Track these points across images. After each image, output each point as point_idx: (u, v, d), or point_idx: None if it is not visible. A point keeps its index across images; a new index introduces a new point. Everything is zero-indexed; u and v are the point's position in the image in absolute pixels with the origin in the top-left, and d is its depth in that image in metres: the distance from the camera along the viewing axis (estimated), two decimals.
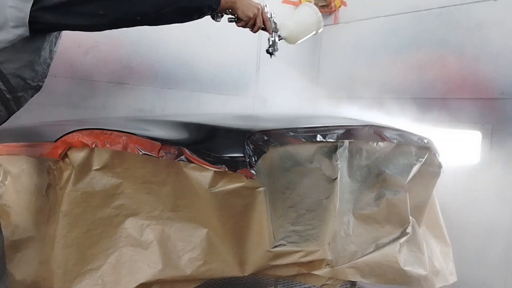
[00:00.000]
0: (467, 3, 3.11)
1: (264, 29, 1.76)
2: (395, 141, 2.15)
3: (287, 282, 2.83)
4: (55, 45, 1.62)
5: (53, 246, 1.68)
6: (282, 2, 3.85)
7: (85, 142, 1.69)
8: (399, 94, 3.29)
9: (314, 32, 1.95)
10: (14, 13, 1.39)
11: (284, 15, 1.84)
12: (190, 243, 1.72)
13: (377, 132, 2.10)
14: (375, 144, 2.09)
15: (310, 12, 1.92)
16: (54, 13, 1.41)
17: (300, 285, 2.79)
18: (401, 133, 2.21)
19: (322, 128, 1.92)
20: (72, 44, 2.86)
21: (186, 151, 1.65)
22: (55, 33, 1.59)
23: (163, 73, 3.09)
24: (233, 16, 1.68)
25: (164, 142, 1.68)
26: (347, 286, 2.35)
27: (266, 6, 1.74)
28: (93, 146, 1.68)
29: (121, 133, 1.70)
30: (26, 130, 2.18)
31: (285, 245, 1.76)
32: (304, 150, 1.82)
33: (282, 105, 3.65)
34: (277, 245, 1.74)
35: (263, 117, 2.76)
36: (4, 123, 1.65)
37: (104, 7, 1.42)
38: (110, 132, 1.71)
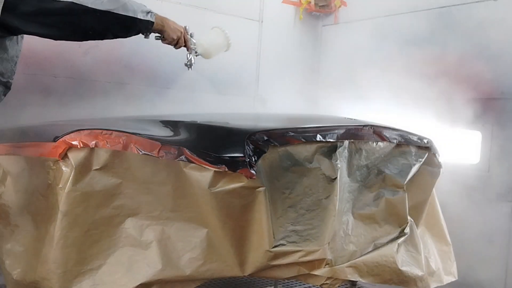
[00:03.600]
0: (467, 3, 3.11)
1: (185, 46, 2.15)
2: (395, 141, 2.15)
3: (287, 282, 2.83)
4: (18, 43, 1.82)
5: (53, 246, 1.68)
6: (282, 2, 3.85)
7: (85, 142, 1.69)
8: (399, 94, 3.29)
9: (225, 49, 2.35)
10: None
11: (201, 35, 2.27)
12: (190, 243, 1.72)
13: (377, 132, 2.10)
14: (374, 144, 2.09)
15: (220, 34, 2.31)
16: (20, 20, 1.65)
17: (300, 284, 2.79)
18: (401, 133, 2.21)
19: (322, 128, 1.91)
20: (72, 44, 2.85)
21: (186, 151, 1.65)
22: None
23: (163, 73, 3.10)
24: (159, 35, 2.03)
25: (164, 142, 1.68)
26: (347, 286, 2.35)
27: (187, 27, 2.12)
28: (93, 146, 1.68)
29: (121, 133, 1.71)
30: (26, 130, 2.18)
31: (285, 245, 1.76)
32: (304, 150, 1.82)
33: (282, 105, 3.66)
34: (277, 245, 1.74)
35: (263, 117, 2.76)
36: (4, 123, 1.66)
37: (62, 21, 1.69)
38: (110, 132, 1.71)
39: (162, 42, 2.08)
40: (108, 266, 1.71)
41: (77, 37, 1.84)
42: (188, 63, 2.22)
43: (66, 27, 1.72)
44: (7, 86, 1.82)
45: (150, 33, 1.97)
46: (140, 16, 1.83)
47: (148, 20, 1.88)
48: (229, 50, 2.37)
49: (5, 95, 1.83)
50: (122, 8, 1.76)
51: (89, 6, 1.69)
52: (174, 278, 1.72)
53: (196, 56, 2.23)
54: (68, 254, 1.68)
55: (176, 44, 2.10)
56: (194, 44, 2.19)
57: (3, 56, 1.76)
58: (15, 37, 1.80)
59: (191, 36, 2.16)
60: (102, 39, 1.85)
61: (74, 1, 1.66)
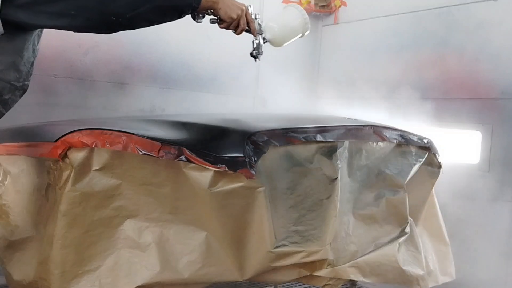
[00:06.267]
0: (467, 3, 3.11)
1: (248, 31, 1.70)
2: (395, 141, 2.15)
3: (288, 284, 2.82)
4: (37, 43, 1.57)
5: (52, 246, 1.68)
6: (282, 1, 3.85)
7: (85, 142, 1.68)
8: (399, 94, 3.29)
9: (300, 34, 1.87)
10: None
11: (269, 17, 1.82)
12: (189, 246, 1.71)
13: (377, 132, 2.10)
14: (375, 144, 2.09)
15: (296, 14, 1.84)
16: (25, 12, 1.34)
17: (301, 284, 2.78)
18: (400, 133, 2.21)
19: (322, 128, 1.91)
20: (72, 44, 2.86)
21: (186, 151, 1.64)
22: (37, 31, 1.52)
23: (163, 73, 3.09)
24: (215, 17, 1.60)
25: (164, 142, 1.67)
26: (347, 286, 2.35)
27: (250, 6, 1.67)
28: (93, 146, 1.68)
29: (121, 133, 1.70)
30: (26, 130, 2.17)
31: (287, 245, 1.76)
32: (304, 150, 1.82)
33: (282, 105, 3.65)
34: (279, 245, 1.74)
35: (263, 117, 2.75)
36: (4, 123, 1.65)
37: (74, 7, 1.34)
38: (110, 132, 1.70)
39: (219, 26, 1.63)
40: (106, 268, 1.70)
41: (98, 28, 1.42)
42: (255, 52, 1.79)
43: (80, 15, 1.35)
44: (23, 89, 1.60)
45: (202, 16, 1.54)
46: None
47: None
48: (305, 35, 1.88)
49: (21, 96, 1.62)
50: None
51: None
52: (172, 281, 1.71)
53: (264, 43, 1.80)
54: (66, 255, 1.67)
55: (237, 27, 1.64)
56: (261, 27, 1.74)
57: (17, 60, 1.48)
58: (33, 36, 1.50)
59: (255, 18, 1.71)
60: (132, 28, 1.43)
61: None
